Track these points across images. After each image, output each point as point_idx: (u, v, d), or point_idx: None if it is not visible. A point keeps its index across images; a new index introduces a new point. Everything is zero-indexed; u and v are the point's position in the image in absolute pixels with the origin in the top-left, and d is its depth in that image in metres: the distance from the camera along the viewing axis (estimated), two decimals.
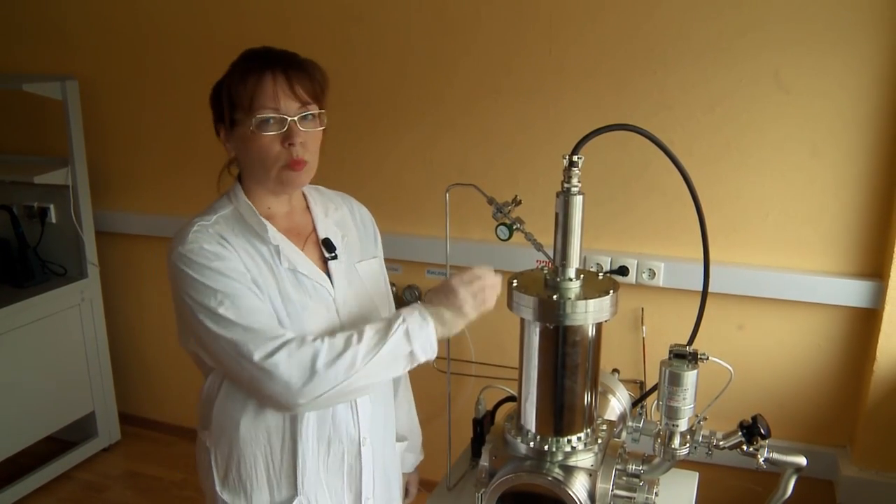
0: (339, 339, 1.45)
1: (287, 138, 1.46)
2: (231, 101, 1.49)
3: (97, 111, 3.44)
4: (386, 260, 2.93)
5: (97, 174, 3.48)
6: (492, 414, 1.99)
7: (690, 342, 1.42)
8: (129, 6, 3.30)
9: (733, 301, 2.57)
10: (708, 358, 1.35)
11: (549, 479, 1.29)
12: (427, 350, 1.49)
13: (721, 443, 1.42)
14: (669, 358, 1.35)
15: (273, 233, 1.55)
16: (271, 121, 1.46)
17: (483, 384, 2.16)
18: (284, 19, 2.99)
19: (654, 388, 1.43)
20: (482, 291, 1.51)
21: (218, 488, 1.63)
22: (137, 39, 3.31)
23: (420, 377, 3.01)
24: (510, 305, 1.31)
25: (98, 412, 3.66)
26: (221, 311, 1.42)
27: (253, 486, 1.60)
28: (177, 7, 3.19)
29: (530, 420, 1.36)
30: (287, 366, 1.39)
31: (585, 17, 2.57)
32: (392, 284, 2.89)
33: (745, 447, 1.40)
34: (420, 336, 1.46)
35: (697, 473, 1.89)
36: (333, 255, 1.62)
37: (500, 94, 2.73)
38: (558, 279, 1.30)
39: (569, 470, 1.31)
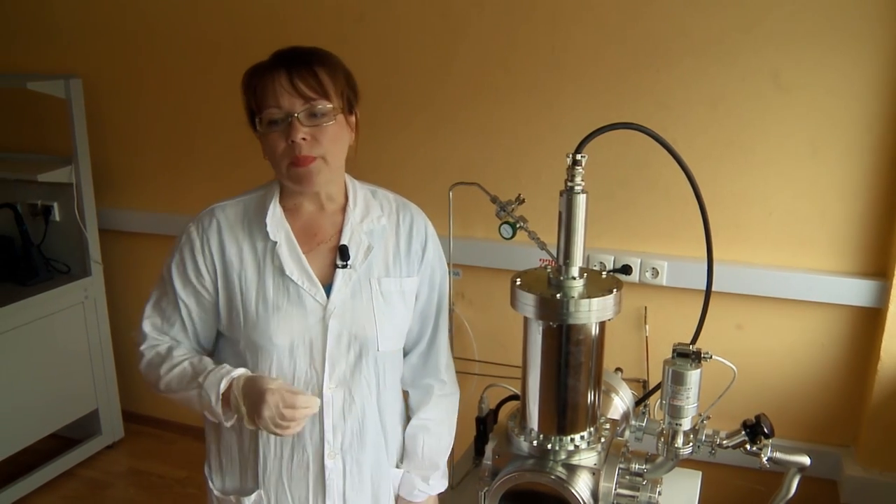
0: (158, 357, 1.59)
1: (289, 135, 1.46)
2: (248, 105, 1.53)
3: (100, 109, 3.44)
4: None
5: (100, 172, 3.48)
6: (495, 412, 1.99)
7: (694, 341, 1.42)
8: (131, 5, 3.29)
9: (736, 300, 2.57)
10: (711, 357, 1.35)
11: (553, 477, 1.29)
12: (213, 418, 1.53)
13: (724, 442, 1.42)
14: (673, 357, 1.35)
15: (274, 229, 1.56)
16: (277, 119, 1.47)
17: (486, 383, 2.16)
18: (284, 17, 2.98)
19: (658, 387, 1.43)
20: (288, 422, 1.41)
21: (206, 464, 1.72)
22: (140, 38, 3.32)
23: None
24: (514, 304, 1.31)
25: (102, 410, 3.66)
26: (158, 288, 1.62)
27: (226, 468, 1.67)
28: (179, 6, 3.19)
29: (533, 419, 1.36)
30: (140, 356, 1.62)
31: (586, 13, 2.56)
32: None
33: (748, 446, 1.40)
34: (210, 409, 1.51)
35: (701, 473, 1.89)
36: (344, 264, 1.57)
37: (501, 91, 2.72)
38: (562, 278, 1.29)
39: (572, 469, 1.32)
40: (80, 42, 3.45)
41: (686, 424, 1.35)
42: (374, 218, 1.62)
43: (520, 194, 1.45)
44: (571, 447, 1.33)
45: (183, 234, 1.60)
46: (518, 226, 1.44)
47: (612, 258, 2.68)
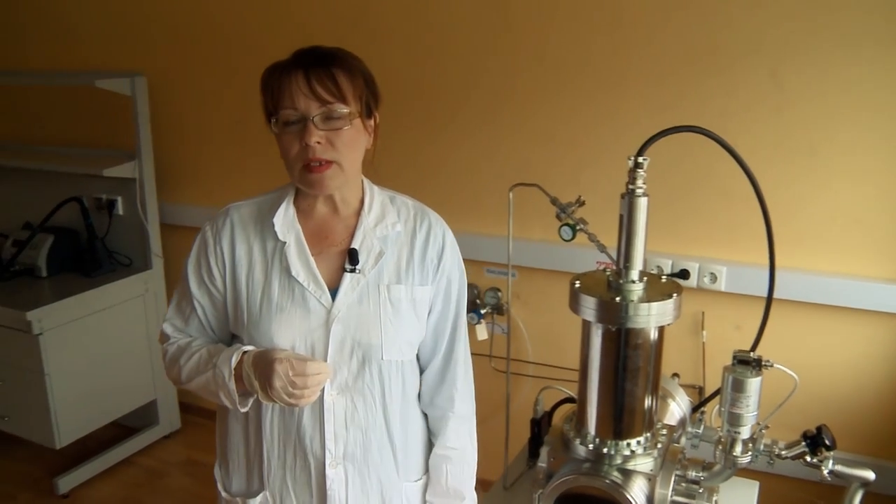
0: (179, 350, 1.60)
1: (303, 137, 1.44)
2: (265, 103, 1.51)
3: (164, 106, 3.52)
4: None
5: (163, 167, 3.56)
6: (549, 415, 1.98)
7: (753, 348, 1.40)
8: (195, 4, 3.36)
9: (797, 308, 2.52)
10: (773, 365, 1.32)
11: (608, 482, 1.29)
12: (229, 402, 1.52)
13: (783, 452, 1.40)
14: (733, 364, 1.33)
15: (284, 230, 1.55)
16: (293, 120, 1.45)
17: (540, 385, 2.16)
18: (352, 18, 3.01)
19: (715, 393, 1.41)
20: (301, 390, 1.41)
21: (216, 464, 1.73)
22: (203, 36, 3.37)
23: (476, 375, 3.02)
24: (572, 306, 1.30)
25: (160, 400, 3.74)
26: (179, 288, 1.65)
27: (234, 469, 1.67)
28: (241, 5, 3.24)
29: (590, 422, 1.35)
30: (163, 355, 1.64)
31: (651, 18, 2.54)
32: None
33: (808, 458, 1.37)
34: (224, 387, 1.49)
35: (758, 483, 1.86)
36: (353, 268, 1.53)
37: (564, 95, 2.71)
38: (621, 281, 1.29)
39: (627, 474, 1.30)
40: (145, 41, 3.53)
41: (745, 433, 1.33)
42: (388, 223, 1.58)
43: (580, 196, 1.44)
44: (627, 452, 1.32)
45: (199, 233, 1.61)
46: (578, 228, 1.43)
47: (670, 262, 2.65)
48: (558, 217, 1.44)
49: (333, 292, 1.52)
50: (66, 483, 3.34)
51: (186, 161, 3.62)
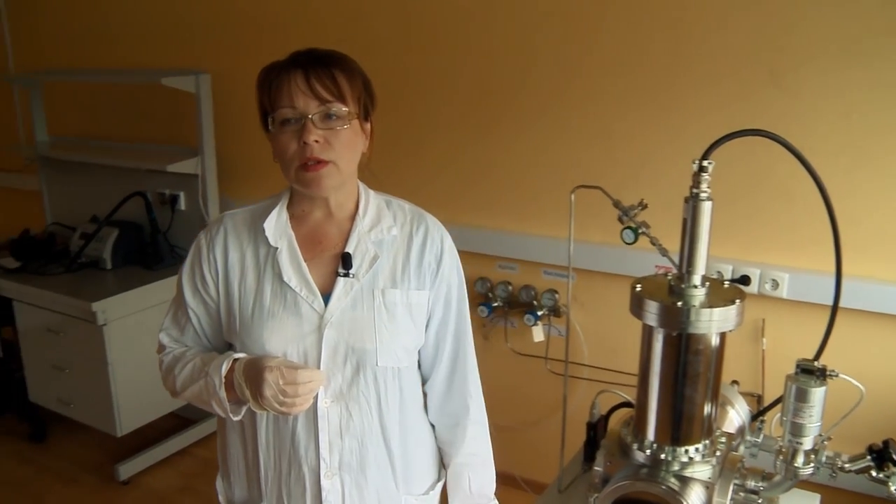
0: (174, 360, 1.59)
1: (301, 136, 1.42)
2: (261, 103, 1.50)
3: (227, 104, 3.58)
4: (501, 258, 2.98)
5: (225, 164, 3.62)
6: (605, 418, 1.97)
7: (817, 357, 1.37)
8: (258, 3, 3.41)
9: (861, 317, 2.45)
10: (838, 375, 1.30)
11: (664, 488, 1.27)
12: (221, 410, 1.50)
13: (847, 465, 1.37)
14: (796, 373, 1.31)
15: (276, 235, 1.53)
16: (290, 120, 1.43)
17: (595, 388, 2.14)
18: (405, 20, 3.02)
19: (775, 402, 1.39)
20: (292, 398, 1.38)
21: (218, 476, 1.72)
22: (266, 35, 3.42)
23: (531, 377, 3.03)
24: (633, 310, 1.29)
25: None
26: (175, 298, 1.65)
27: (235, 479, 1.65)
28: (303, 4, 3.27)
29: (648, 427, 1.34)
30: (160, 366, 1.63)
31: (712, 19, 2.50)
32: (508, 284, 2.94)
33: (874, 473, 1.34)
34: (215, 395, 1.48)
35: (819, 496, 1.81)
36: (346, 272, 1.50)
37: (623, 95, 2.69)
38: (683, 286, 1.27)
39: (685, 481, 1.29)
40: (209, 40, 3.60)
41: (807, 444, 1.31)
42: (384, 227, 1.55)
43: (642, 199, 1.43)
44: (685, 459, 1.31)
45: (194, 242, 1.60)
46: (640, 231, 1.42)
47: (731, 268, 2.61)
48: (620, 220, 1.42)
49: (327, 297, 1.49)
50: (126, 470, 3.43)
51: (247, 158, 3.67)
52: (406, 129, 3.10)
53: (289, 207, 1.58)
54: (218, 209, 3.62)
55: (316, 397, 1.46)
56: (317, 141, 1.42)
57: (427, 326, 1.58)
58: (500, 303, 2.98)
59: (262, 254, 1.53)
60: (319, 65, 1.44)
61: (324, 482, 1.52)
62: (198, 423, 3.78)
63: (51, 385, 3.56)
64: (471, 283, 2.99)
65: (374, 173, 1.61)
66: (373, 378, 1.50)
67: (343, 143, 1.45)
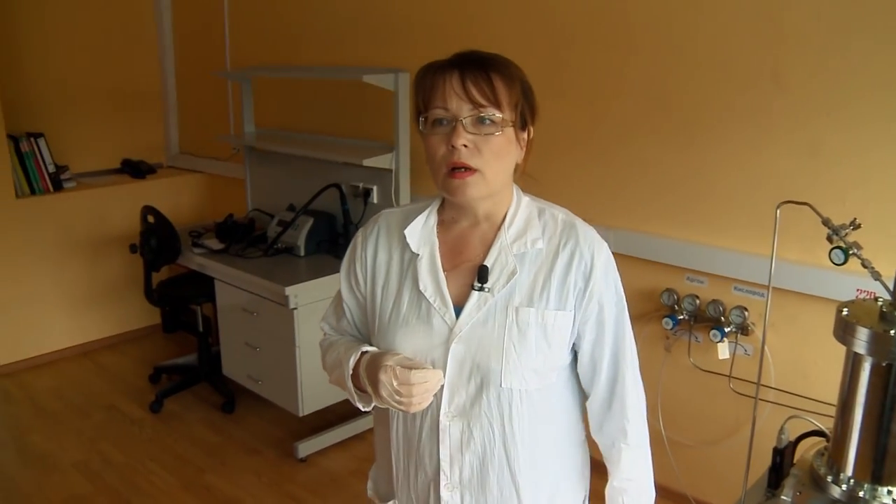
0: (328, 346, 1.63)
1: (450, 139, 1.36)
2: (415, 102, 1.45)
3: None
4: (690, 271, 2.89)
5: (418, 161, 3.71)
6: (793, 445, 1.87)
7: None
8: (454, 5, 3.48)
9: None
10: None
11: None
12: (355, 401, 1.51)
13: None
14: None
15: (419, 242, 1.50)
16: (442, 121, 1.38)
17: (779, 412, 2.05)
18: (609, 22, 2.99)
19: None
20: (407, 398, 1.35)
21: (374, 464, 1.73)
22: (463, 36, 3.48)
23: (712, 394, 2.92)
24: (838, 336, 1.22)
25: None
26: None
27: (380, 469, 1.66)
28: (496, 5, 3.31)
29: (846, 461, 1.26)
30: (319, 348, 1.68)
31: None
32: (695, 297, 2.85)
33: None
34: (346, 385, 1.49)
35: None
36: (481, 286, 1.42)
37: (836, 109, 2.52)
38: None
39: None
40: (408, 39, 3.70)
41: None
42: (528, 240, 1.45)
43: (854, 219, 1.34)
44: (888, 500, 1.22)
45: (353, 238, 1.61)
46: (851, 252, 1.34)
47: None
48: (829, 239, 1.35)
49: (459, 310, 1.43)
50: (304, 448, 3.60)
51: None
52: (596, 130, 3.07)
53: (440, 211, 1.54)
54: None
55: (439, 409, 1.43)
56: (465, 146, 1.36)
57: (579, 347, 1.49)
58: (685, 316, 2.89)
59: (407, 258, 1.50)
60: (477, 67, 1.38)
61: (444, 493, 1.48)
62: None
63: (243, 361, 3.80)
64: (657, 295, 2.92)
65: (532, 177, 1.53)
66: (496, 398, 1.42)
67: (493, 151, 1.38)
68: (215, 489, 3.36)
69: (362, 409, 1.51)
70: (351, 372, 1.47)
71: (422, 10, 3.61)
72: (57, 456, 3.61)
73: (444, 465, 1.46)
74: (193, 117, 5.20)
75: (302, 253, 3.75)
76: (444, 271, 1.46)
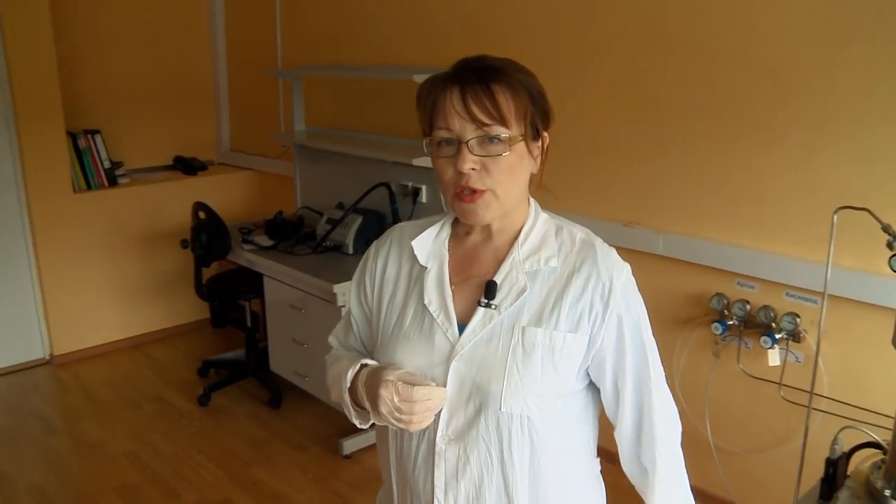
0: (331, 360, 1.57)
1: (456, 163, 1.29)
2: (420, 119, 1.39)
3: None
4: (741, 276, 2.85)
5: None
6: (847, 456, 1.84)
7: None
8: (505, 4, 3.47)
9: None
10: None
11: None
12: (351, 417, 1.45)
13: None
14: None
15: (427, 255, 1.44)
16: (447, 142, 1.31)
17: (831, 421, 2.01)
18: (651, 27, 2.96)
19: None
20: (408, 416, 1.28)
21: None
22: (510, 36, 3.46)
23: (762, 402, 2.88)
24: None
25: None
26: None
27: (385, 488, 1.59)
28: (541, 4, 3.30)
29: None
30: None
31: None
32: (746, 303, 2.80)
33: None
34: (343, 401, 1.44)
35: None
36: (487, 302, 1.35)
37: (892, 107, 2.47)
38: None
39: None
40: (454, 37, 3.71)
41: None
42: (542, 257, 1.37)
43: None
44: None
45: (366, 251, 1.57)
46: None
47: None
48: (889, 246, 1.32)
49: (464, 327, 1.36)
50: (349, 445, 3.63)
51: None
52: (640, 131, 3.04)
53: (454, 224, 1.48)
54: None
55: (436, 431, 1.36)
56: (473, 169, 1.29)
57: (601, 376, 1.40)
58: (735, 321, 2.85)
59: (416, 272, 1.45)
60: (479, 80, 1.30)
61: None
62: None
63: (290, 357, 3.84)
64: (706, 299, 2.88)
65: (550, 191, 1.46)
66: (495, 423, 1.34)
67: (503, 171, 1.31)
68: (261, 483, 3.41)
69: (359, 427, 1.45)
70: (349, 385, 1.40)
71: (472, 9, 3.62)
72: (109, 445, 3.71)
73: (439, 492, 1.38)
74: (245, 115, 5.28)
75: (350, 251, 3.77)
76: (452, 285, 1.41)
